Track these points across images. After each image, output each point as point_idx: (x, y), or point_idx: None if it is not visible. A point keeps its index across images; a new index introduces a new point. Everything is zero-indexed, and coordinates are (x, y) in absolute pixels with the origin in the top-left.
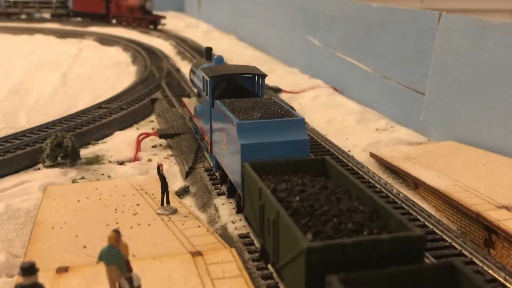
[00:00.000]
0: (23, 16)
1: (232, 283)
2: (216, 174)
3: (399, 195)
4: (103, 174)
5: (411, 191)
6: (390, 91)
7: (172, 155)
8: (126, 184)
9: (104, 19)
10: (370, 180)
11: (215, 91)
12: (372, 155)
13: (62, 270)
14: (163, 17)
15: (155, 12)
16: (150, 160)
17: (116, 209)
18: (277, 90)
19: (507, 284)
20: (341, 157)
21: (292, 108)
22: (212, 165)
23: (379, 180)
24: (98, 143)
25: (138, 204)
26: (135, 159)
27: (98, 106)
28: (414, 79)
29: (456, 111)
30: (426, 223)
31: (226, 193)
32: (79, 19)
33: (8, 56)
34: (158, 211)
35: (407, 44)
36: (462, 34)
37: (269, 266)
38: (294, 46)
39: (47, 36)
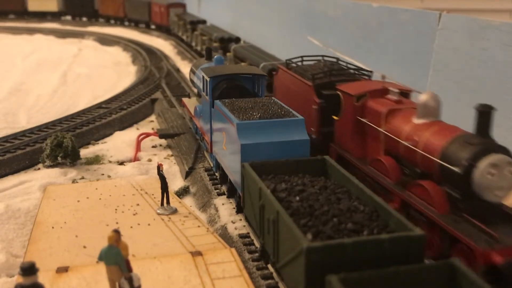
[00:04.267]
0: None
1: (232, 283)
2: (216, 174)
3: None
4: (103, 174)
5: None
6: None
7: (172, 155)
8: (126, 184)
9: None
10: None
11: (215, 91)
12: None
13: (62, 270)
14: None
15: None
16: (150, 160)
17: (116, 209)
18: None
19: None
20: None
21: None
22: (212, 165)
23: None
24: (98, 143)
25: (138, 204)
26: (135, 159)
27: (98, 106)
28: (414, 79)
29: (456, 111)
30: None
31: (226, 193)
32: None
33: (8, 56)
34: (158, 211)
35: (407, 44)
36: (462, 34)
37: (269, 266)
38: (294, 46)
39: (47, 36)
